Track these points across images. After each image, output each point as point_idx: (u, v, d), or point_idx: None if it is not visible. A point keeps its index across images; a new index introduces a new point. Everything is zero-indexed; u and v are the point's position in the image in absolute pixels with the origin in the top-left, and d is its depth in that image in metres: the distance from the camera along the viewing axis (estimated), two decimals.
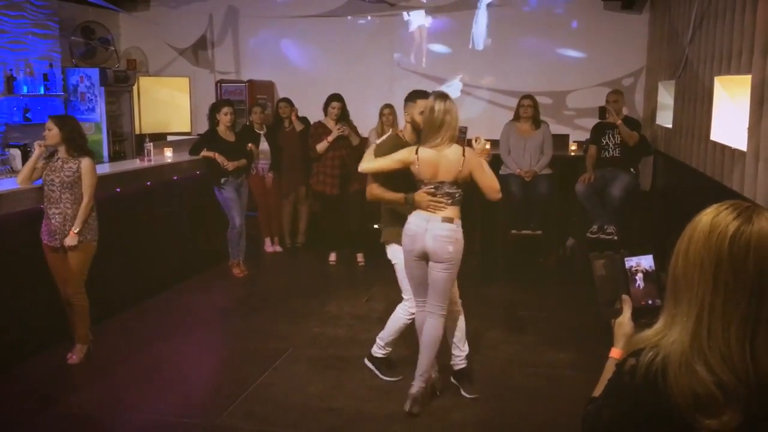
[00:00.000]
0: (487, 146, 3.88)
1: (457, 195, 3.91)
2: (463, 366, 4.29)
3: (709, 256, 1.29)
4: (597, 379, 1.55)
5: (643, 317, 1.53)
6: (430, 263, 3.92)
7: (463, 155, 3.84)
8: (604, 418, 1.38)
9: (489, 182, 3.91)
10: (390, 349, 4.52)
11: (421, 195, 3.89)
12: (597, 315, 1.62)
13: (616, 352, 1.56)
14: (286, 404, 4.15)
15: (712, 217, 1.32)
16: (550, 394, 4.29)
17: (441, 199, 3.87)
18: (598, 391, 1.48)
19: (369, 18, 8.79)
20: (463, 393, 4.23)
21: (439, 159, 3.86)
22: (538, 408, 4.13)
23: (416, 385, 4.04)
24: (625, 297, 1.58)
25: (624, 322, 1.56)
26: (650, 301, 1.57)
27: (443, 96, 3.94)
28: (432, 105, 3.88)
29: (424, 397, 4.06)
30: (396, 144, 4.14)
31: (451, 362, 4.30)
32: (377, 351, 4.53)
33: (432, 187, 3.88)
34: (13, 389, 4.25)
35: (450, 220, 3.88)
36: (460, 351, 4.29)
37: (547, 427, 3.95)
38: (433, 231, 3.86)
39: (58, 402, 4.14)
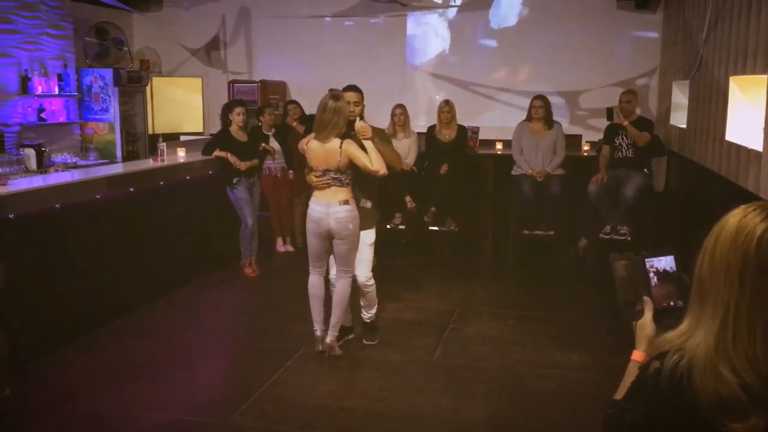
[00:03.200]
0: (366, 127, 4.45)
1: (344, 179, 4.55)
2: (368, 321, 5.09)
3: (735, 257, 1.27)
4: (609, 380, 1.53)
5: (665, 319, 1.51)
6: (335, 240, 4.64)
7: (340, 147, 4.45)
8: (626, 422, 1.36)
9: (363, 163, 4.45)
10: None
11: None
12: (618, 317, 1.59)
13: (638, 355, 1.52)
14: (298, 404, 4.15)
15: (739, 219, 1.30)
16: (562, 395, 4.27)
17: (325, 180, 4.53)
18: (619, 394, 1.45)
19: (381, 18, 8.79)
20: (364, 341, 5.05)
21: (323, 150, 4.52)
22: (550, 409, 4.10)
23: (330, 335, 4.77)
24: (646, 298, 1.54)
25: (646, 324, 1.53)
26: (671, 303, 1.54)
27: (336, 97, 4.54)
28: (324, 103, 4.52)
29: (334, 344, 4.78)
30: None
31: (361, 315, 5.10)
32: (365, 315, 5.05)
33: (320, 173, 4.55)
34: (26, 388, 4.27)
35: (346, 202, 4.55)
36: (367, 313, 5.08)
37: (559, 428, 3.92)
38: (334, 214, 4.54)
39: (70, 401, 4.15)
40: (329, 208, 4.54)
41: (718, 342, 1.26)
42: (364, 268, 4.85)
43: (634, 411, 1.35)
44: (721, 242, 1.30)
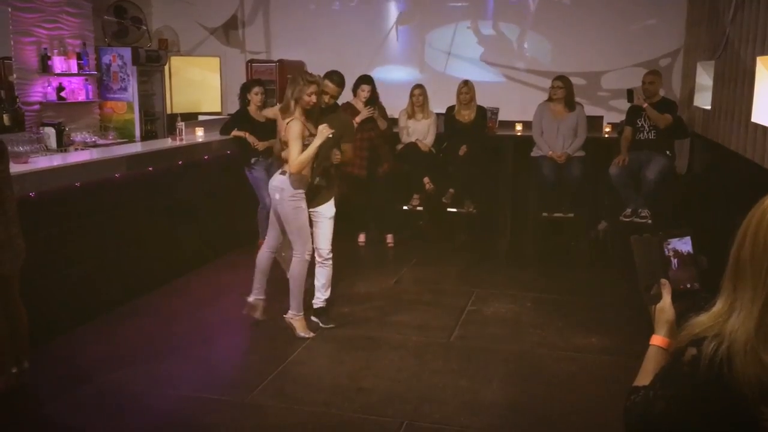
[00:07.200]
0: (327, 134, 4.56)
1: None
2: (322, 305, 5.04)
3: None
4: (628, 364, 1.49)
5: (682, 301, 1.48)
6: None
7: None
8: (656, 410, 1.31)
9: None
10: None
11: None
12: (642, 300, 1.56)
13: (657, 339, 1.49)
14: (316, 383, 4.16)
15: None
16: (581, 378, 4.24)
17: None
18: (640, 381, 1.42)
19: None
20: (321, 324, 4.99)
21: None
22: (568, 392, 4.08)
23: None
24: (663, 281, 1.51)
25: (665, 307, 1.50)
26: (689, 285, 1.51)
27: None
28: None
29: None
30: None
31: (313, 300, 5.03)
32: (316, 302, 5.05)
33: None
34: (48, 365, 4.31)
35: (284, 173, 4.67)
36: (322, 294, 5.03)
37: (577, 410, 3.90)
38: (271, 182, 4.81)
39: (88, 378, 4.18)
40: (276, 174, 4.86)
41: (760, 327, 1.21)
42: (322, 241, 4.93)
43: (668, 399, 1.30)
44: (765, 225, 1.24)
